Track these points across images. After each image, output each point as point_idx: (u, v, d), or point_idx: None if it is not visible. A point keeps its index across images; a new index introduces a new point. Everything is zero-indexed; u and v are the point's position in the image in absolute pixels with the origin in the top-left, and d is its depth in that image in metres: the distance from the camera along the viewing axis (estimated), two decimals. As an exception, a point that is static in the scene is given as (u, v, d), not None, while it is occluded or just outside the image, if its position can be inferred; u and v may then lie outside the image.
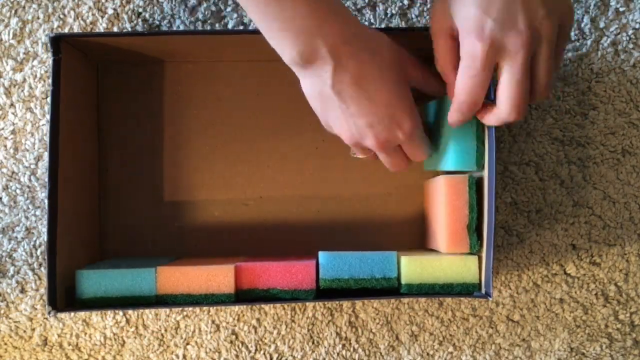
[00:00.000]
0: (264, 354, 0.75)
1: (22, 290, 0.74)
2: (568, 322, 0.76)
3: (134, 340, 0.74)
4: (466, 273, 0.64)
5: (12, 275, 0.74)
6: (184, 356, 0.75)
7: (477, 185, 0.64)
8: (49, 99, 0.70)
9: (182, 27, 0.75)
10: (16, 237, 0.74)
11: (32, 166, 0.74)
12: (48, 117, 0.65)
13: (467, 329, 0.76)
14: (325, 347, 0.75)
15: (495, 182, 0.61)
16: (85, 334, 0.74)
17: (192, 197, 0.75)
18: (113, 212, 0.74)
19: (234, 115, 0.75)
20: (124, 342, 0.74)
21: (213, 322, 0.75)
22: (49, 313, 0.60)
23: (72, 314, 0.74)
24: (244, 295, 0.64)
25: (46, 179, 0.62)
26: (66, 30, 0.74)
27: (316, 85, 0.55)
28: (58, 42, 0.62)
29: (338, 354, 0.75)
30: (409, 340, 0.75)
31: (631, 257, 0.76)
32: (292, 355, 0.75)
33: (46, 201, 0.62)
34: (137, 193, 0.74)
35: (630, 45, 0.76)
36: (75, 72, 0.67)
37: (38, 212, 0.74)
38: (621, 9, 0.76)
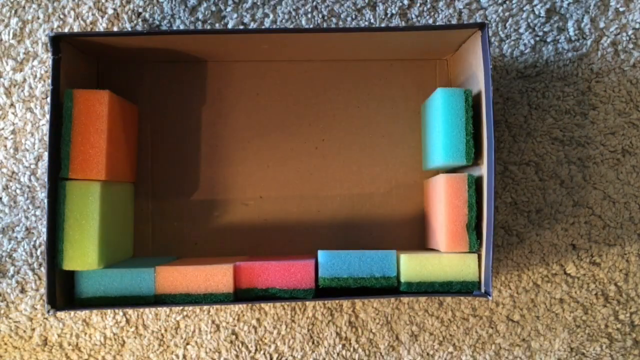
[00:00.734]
0: (264, 354, 0.75)
1: (22, 290, 0.74)
2: (568, 322, 0.76)
3: (134, 340, 0.74)
4: (466, 271, 0.64)
5: (12, 275, 0.74)
6: (184, 356, 0.75)
7: (476, 184, 0.65)
8: (49, 99, 0.70)
9: (182, 27, 0.75)
10: (16, 237, 0.74)
11: (32, 166, 0.74)
12: (48, 117, 0.65)
13: (467, 329, 0.75)
14: (325, 347, 0.75)
15: (495, 179, 0.61)
16: (85, 334, 0.74)
17: (191, 197, 0.75)
18: (113, 212, 0.74)
19: (234, 115, 0.75)
20: (124, 342, 0.74)
21: (213, 322, 0.75)
22: (49, 312, 0.60)
23: (72, 313, 0.74)
24: (243, 295, 0.65)
25: (46, 179, 0.62)
26: (66, 30, 0.74)
27: None
28: (58, 42, 0.62)
29: (338, 354, 0.75)
30: (409, 340, 0.75)
31: (631, 257, 0.76)
32: (292, 355, 0.75)
33: (46, 201, 0.62)
34: (137, 193, 0.74)
35: (630, 45, 0.76)
36: (75, 72, 0.67)
37: (38, 212, 0.74)
38: (621, 9, 0.76)
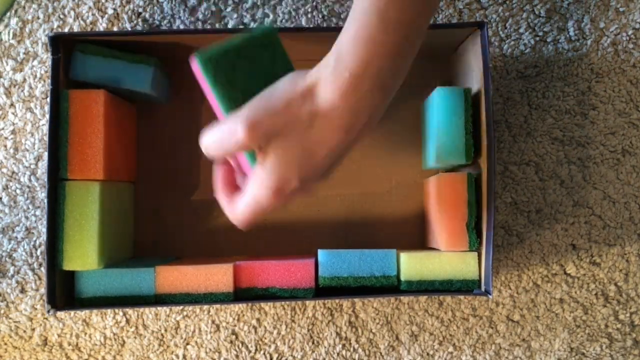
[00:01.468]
0: (264, 354, 0.75)
1: (22, 290, 0.74)
2: (568, 322, 0.76)
3: (134, 340, 0.74)
4: (466, 269, 0.64)
5: (12, 275, 0.74)
6: (184, 356, 0.75)
7: (476, 183, 0.65)
8: (48, 99, 0.70)
9: (182, 27, 0.75)
10: (16, 237, 0.74)
11: (32, 166, 0.74)
12: (48, 117, 0.65)
13: (467, 329, 0.75)
14: (325, 347, 0.75)
15: (495, 177, 0.61)
16: (85, 334, 0.74)
17: (191, 197, 0.75)
18: (113, 212, 0.74)
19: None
20: (124, 342, 0.74)
21: (213, 322, 0.75)
22: (49, 312, 0.60)
23: (72, 313, 0.74)
24: (243, 294, 0.65)
25: (46, 179, 0.62)
26: (66, 30, 0.74)
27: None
28: (58, 42, 0.63)
29: (338, 354, 0.75)
30: (409, 340, 0.75)
31: (631, 257, 0.76)
32: (292, 355, 0.75)
33: (46, 201, 0.62)
34: (137, 193, 0.74)
35: (630, 45, 0.76)
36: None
37: (38, 212, 0.74)
38: (621, 9, 0.76)
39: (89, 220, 0.62)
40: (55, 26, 0.75)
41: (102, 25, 0.75)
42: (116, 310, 0.74)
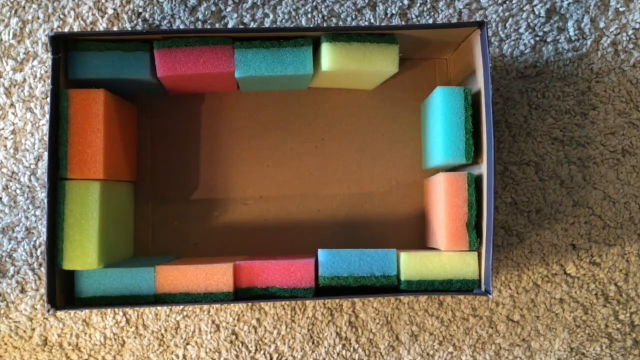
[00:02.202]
0: (264, 354, 0.75)
1: (22, 290, 0.74)
2: (568, 322, 0.76)
3: (134, 340, 0.74)
4: (466, 269, 0.64)
5: (12, 275, 0.74)
6: (184, 356, 0.75)
7: (476, 183, 0.65)
8: (48, 99, 0.70)
9: (182, 27, 0.75)
10: (16, 237, 0.74)
11: (32, 166, 0.74)
12: (48, 117, 0.65)
13: (467, 329, 0.75)
14: (325, 347, 0.75)
15: (494, 176, 0.61)
16: (85, 334, 0.74)
17: (191, 197, 0.75)
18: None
19: (233, 115, 0.75)
20: (124, 342, 0.74)
21: (213, 322, 0.75)
22: (48, 311, 0.60)
23: (72, 313, 0.74)
24: (243, 294, 0.64)
25: (46, 179, 0.62)
26: (66, 30, 0.74)
27: None
28: (58, 42, 0.63)
29: (338, 354, 0.75)
30: (409, 340, 0.75)
31: (631, 257, 0.76)
32: (292, 355, 0.75)
33: (46, 201, 0.62)
34: (137, 193, 0.74)
35: (630, 45, 0.76)
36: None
37: (38, 212, 0.74)
38: (621, 9, 0.76)
39: (89, 220, 0.62)
40: (55, 26, 0.75)
41: (102, 25, 0.75)
42: (116, 310, 0.74)
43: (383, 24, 0.76)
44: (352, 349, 0.75)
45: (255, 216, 0.75)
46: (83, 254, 0.62)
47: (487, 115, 0.62)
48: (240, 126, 0.75)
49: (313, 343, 0.75)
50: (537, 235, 0.76)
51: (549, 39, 0.76)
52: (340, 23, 0.76)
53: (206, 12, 0.75)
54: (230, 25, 0.75)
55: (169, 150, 0.75)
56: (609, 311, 0.76)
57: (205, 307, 0.74)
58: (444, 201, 0.64)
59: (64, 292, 0.64)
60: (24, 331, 0.74)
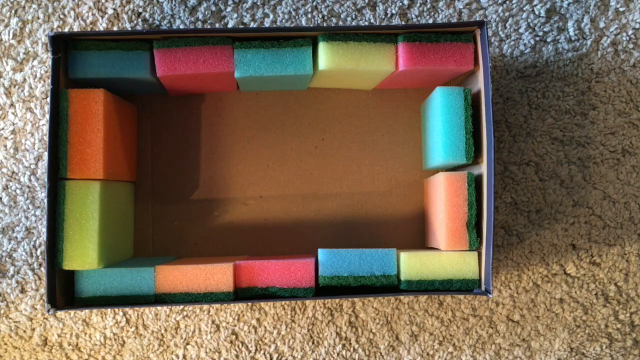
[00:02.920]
0: (264, 354, 0.75)
1: (22, 290, 0.74)
2: (568, 322, 0.76)
3: (134, 340, 0.74)
4: (466, 269, 0.64)
5: (12, 275, 0.74)
6: (184, 356, 0.75)
7: (476, 183, 0.65)
8: (48, 99, 0.70)
9: (182, 27, 0.75)
10: (16, 237, 0.74)
11: (32, 166, 0.74)
12: (48, 116, 0.65)
13: (467, 329, 0.75)
14: (325, 347, 0.75)
15: (494, 176, 0.61)
16: (85, 334, 0.74)
17: (191, 197, 0.75)
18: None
19: (233, 115, 0.75)
20: (124, 342, 0.74)
21: (213, 322, 0.75)
22: (49, 311, 0.60)
23: (72, 313, 0.74)
24: (243, 294, 0.65)
25: (46, 179, 0.62)
26: (66, 30, 0.74)
27: None
28: (58, 42, 0.63)
29: (338, 354, 0.75)
30: (409, 340, 0.75)
31: (631, 257, 0.76)
32: (292, 355, 0.75)
33: (46, 200, 0.62)
34: (137, 193, 0.75)
35: (630, 45, 0.76)
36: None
37: (38, 212, 0.74)
38: (621, 9, 0.76)
39: (89, 220, 0.62)
40: (55, 26, 0.75)
41: (102, 25, 0.75)
42: (116, 310, 0.74)
43: (383, 24, 0.76)
44: (352, 349, 0.75)
45: (255, 216, 0.75)
46: (83, 254, 0.62)
47: (487, 115, 0.62)
48: (240, 126, 0.75)
49: (313, 343, 0.75)
50: (537, 235, 0.76)
51: (549, 39, 0.76)
52: (340, 23, 0.76)
53: (206, 12, 0.75)
54: (230, 25, 0.75)
55: (169, 150, 0.75)
56: (609, 311, 0.76)
57: (205, 307, 0.74)
58: (444, 201, 0.65)
59: (64, 292, 0.64)
60: (24, 331, 0.74)
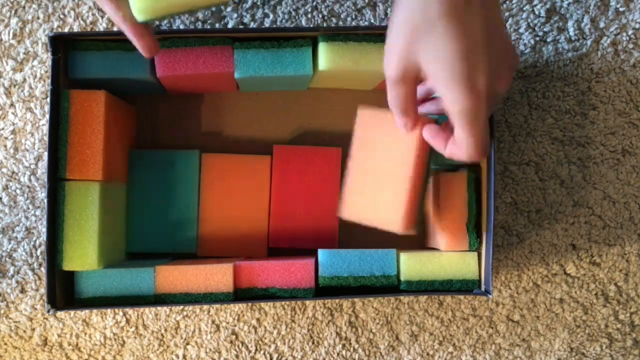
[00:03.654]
0: (264, 354, 0.75)
1: (22, 290, 0.74)
2: (568, 322, 0.76)
3: (134, 340, 0.74)
4: (465, 269, 0.64)
5: (12, 275, 0.74)
6: (184, 356, 0.75)
7: (475, 183, 0.65)
8: (48, 99, 0.70)
9: (182, 27, 0.75)
10: (16, 237, 0.74)
11: (32, 166, 0.74)
12: (48, 117, 0.65)
13: (467, 329, 0.75)
14: (325, 347, 0.75)
15: (495, 176, 0.61)
16: (85, 334, 0.74)
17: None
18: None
19: (233, 115, 0.75)
20: (124, 342, 0.74)
21: (213, 322, 0.75)
22: (49, 311, 0.60)
23: (72, 314, 0.74)
24: (243, 294, 0.65)
25: (46, 179, 0.62)
26: (66, 30, 0.74)
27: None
28: (58, 42, 0.62)
29: (338, 354, 0.75)
30: (409, 340, 0.75)
31: (631, 257, 0.76)
32: (292, 355, 0.75)
33: (46, 201, 0.62)
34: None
35: (630, 45, 0.76)
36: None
37: (38, 212, 0.74)
38: (621, 9, 0.76)
39: (89, 221, 0.62)
40: (55, 26, 0.74)
41: (102, 25, 0.75)
42: (116, 310, 0.74)
43: (383, 24, 0.76)
44: (352, 349, 0.75)
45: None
46: (83, 255, 0.62)
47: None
48: (240, 126, 0.75)
49: (313, 343, 0.75)
50: (537, 235, 0.76)
51: (549, 39, 0.76)
52: (340, 23, 0.76)
53: (206, 12, 0.75)
54: (230, 26, 0.75)
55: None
56: (609, 311, 0.76)
57: (205, 307, 0.74)
58: (443, 201, 0.65)
59: (64, 292, 0.64)
60: (24, 331, 0.74)
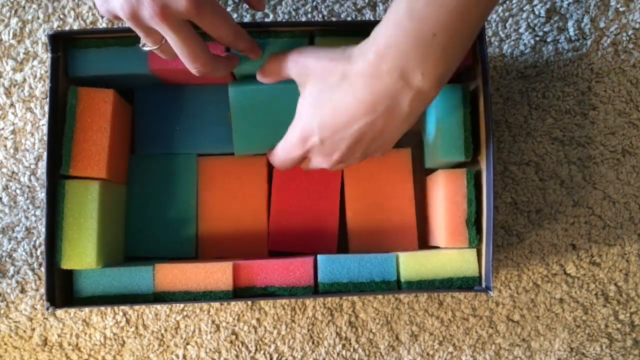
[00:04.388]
0: (264, 354, 0.75)
1: (22, 290, 0.74)
2: (568, 322, 0.76)
3: (134, 340, 0.74)
4: (466, 267, 0.64)
5: (12, 275, 0.74)
6: (184, 356, 0.75)
7: (475, 180, 0.64)
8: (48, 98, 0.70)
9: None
10: (16, 237, 0.74)
11: (32, 166, 0.74)
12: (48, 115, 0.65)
13: (467, 329, 0.75)
14: (325, 347, 0.75)
15: (494, 172, 0.61)
16: (85, 334, 0.74)
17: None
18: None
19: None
20: (124, 342, 0.74)
21: (213, 322, 0.75)
22: (48, 309, 0.60)
23: (72, 313, 0.74)
24: (242, 293, 0.64)
25: (45, 178, 0.62)
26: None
27: None
28: (57, 40, 0.63)
29: (338, 354, 0.75)
30: (409, 340, 0.75)
31: (631, 257, 0.76)
32: (292, 355, 0.75)
33: (45, 200, 0.62)
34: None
35: (630, 45, 0.76)
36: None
37: (38, 212, 0.74)
38: (621, 9, 0.76)
39: (88, 220, 0.62)
40: (55, 26, 0.75)
41: (102, 25, 0.75)
42: (116, 310, 0.74)
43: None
44: (352, 349, 0.75)
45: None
46: (82, 254, 0.62)
47: (487, 112, 0.62)
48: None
49: (313, 343, 0.75)
50: (537, 235, 0.76)
51: (549, 39, 0.76)
52: (340, 23, 0.76)
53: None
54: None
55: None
56: (609, 311, 0.76)
57: (205, 307, 0.74)
58: (443, 198, 0.64)
59: (64, 291, 0.64)
60: (24, 331, 0.74)
